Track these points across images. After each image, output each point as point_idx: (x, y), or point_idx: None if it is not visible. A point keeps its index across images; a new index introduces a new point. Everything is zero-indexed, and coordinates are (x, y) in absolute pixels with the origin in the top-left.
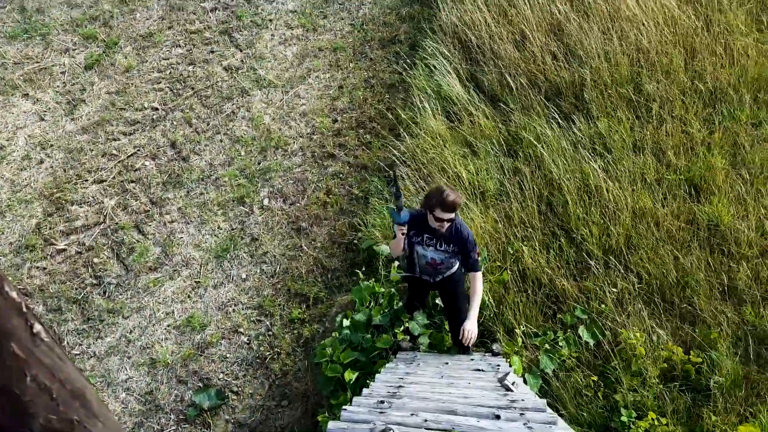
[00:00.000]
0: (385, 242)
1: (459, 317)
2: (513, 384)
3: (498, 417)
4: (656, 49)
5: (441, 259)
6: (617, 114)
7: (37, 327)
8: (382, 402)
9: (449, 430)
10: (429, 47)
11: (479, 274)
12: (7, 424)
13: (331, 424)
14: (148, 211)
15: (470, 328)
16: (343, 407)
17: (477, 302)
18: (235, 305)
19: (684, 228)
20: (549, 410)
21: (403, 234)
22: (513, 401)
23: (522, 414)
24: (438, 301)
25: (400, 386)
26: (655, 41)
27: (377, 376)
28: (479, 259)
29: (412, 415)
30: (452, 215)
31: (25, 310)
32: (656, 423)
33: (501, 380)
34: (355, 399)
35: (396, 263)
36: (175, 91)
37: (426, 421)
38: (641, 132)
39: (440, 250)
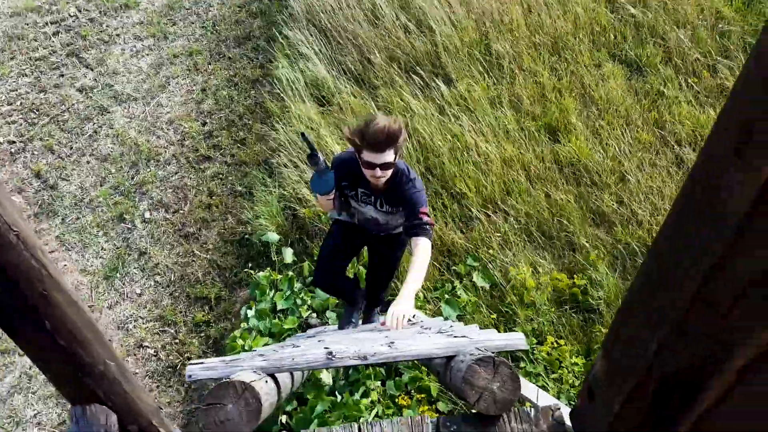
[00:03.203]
0: (273, 230)
1: (379, 283)
2: (413, 316)
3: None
4: (498, 10)
5: (386, 220)
6: (473, 74)
7: None
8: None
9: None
10: (286, 38)
11: (424, 242)
12: None
13: (189, 369)
14: None
15: (398, 313)
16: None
17: (416, 278)
18: (134, 321)
19: (550, 168)
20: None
21: (329, 200)
22: (413, 324)
23: (421, 328)
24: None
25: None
26: (495, 3)
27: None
28: (427, 221)
29: (318, 342)
30: (387, 157)
31: None
32: (555, 345)
33: None
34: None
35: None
36: (29, 120)
37: (330, 352)
38: (497, 87)
39: (382, 211)
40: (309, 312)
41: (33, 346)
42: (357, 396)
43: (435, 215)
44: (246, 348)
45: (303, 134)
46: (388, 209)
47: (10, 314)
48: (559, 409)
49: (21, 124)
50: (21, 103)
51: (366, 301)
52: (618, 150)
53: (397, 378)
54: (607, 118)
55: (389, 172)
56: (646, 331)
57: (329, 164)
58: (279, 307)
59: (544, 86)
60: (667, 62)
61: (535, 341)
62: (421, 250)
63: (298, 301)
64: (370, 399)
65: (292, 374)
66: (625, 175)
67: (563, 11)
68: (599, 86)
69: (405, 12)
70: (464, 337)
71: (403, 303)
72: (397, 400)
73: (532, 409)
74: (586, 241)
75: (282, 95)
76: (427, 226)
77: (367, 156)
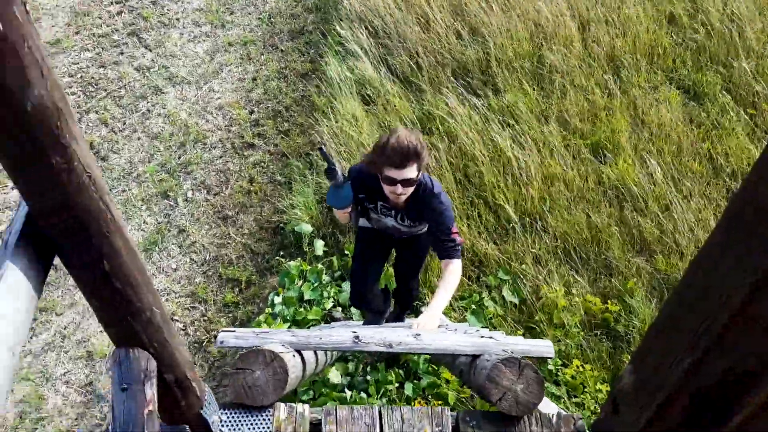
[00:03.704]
0: (307, 221)
1: (407, 275)
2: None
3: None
4: (554, 23)
5: (408, 230)
6: (523, 86)
7: None
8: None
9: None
10: (338, 35)
11: (457, 263)
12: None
13: (221, 335)
14: None
15: (423, 323)
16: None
17: (443, 295)
18: (167, 294)
19: (593, 188)
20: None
21: (345, 213)
22: (439, 327)
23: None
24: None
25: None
26: (551, 15)
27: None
28: (459, 241)
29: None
30: (410, 173)
31: None
32: (581, 369)
33: None
34: None
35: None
36: (87, 93)
37: (356, 336)
38: (546, 102)
39: (404, 224)
40: (333, 305)
41: (90, 285)
42: (364, 395)
43: (469, 224)
44: None
45: (321, 149)
46: (410, 223)
47: (74, 251)
48: (581, 419)
49: (79, 96)
50: (81, 77)
51: (396, 303)
52: (666, 177)
53: (415, 381)
54: (657, 143)
55: (410, 190)
56: (681, 346)
57: (347, 177)
58: (306, 297)
59: (594, 104)
60: (727, 91)
61: (560, 363)
62: (454, 270)
63: (325, 294)
64: (385, 400)
65: (316, 354)
66: (671, 204)
67: (623, 30)
68: (653, 109)
69: (459, 18)
70: (491, 338)
71: (427, 318)
72: (413, 404)
73: (554, 415)
74: (625, 268)
75: (329, 91)
76: (459, 246)
77: (388, 171)
